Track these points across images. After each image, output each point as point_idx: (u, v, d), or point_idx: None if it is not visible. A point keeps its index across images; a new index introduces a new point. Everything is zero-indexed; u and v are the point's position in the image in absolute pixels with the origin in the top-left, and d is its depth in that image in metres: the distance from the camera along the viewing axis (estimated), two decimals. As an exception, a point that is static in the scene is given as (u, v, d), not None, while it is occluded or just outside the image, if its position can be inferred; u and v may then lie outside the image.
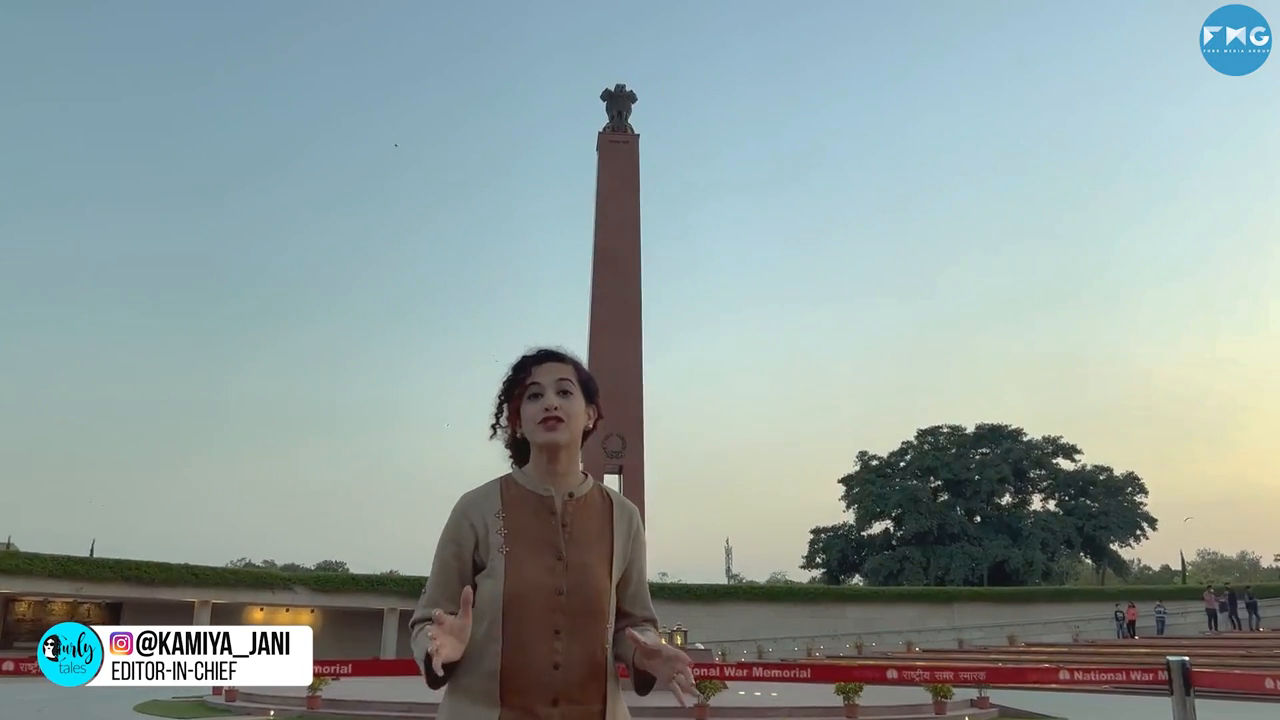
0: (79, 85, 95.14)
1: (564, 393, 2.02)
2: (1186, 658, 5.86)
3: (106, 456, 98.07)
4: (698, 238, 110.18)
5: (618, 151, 23.21)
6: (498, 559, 1.94)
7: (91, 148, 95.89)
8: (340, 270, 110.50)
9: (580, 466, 2.10)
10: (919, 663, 28.68)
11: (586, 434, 2.10)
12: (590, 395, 2.08)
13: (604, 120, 23.86)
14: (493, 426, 2.12)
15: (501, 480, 2.07)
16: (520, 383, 2.04)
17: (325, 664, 8.29)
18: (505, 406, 2.09)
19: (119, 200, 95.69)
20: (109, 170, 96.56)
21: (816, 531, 65.12)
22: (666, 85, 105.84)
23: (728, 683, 14.98)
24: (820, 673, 11.54)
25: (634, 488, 20.36)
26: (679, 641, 22.48)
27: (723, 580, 57.40)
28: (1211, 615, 36.36)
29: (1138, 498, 60.44)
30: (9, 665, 7.23)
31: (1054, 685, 11.63)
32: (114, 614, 37.66)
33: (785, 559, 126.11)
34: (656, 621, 2.13)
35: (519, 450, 2.11)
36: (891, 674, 9.00)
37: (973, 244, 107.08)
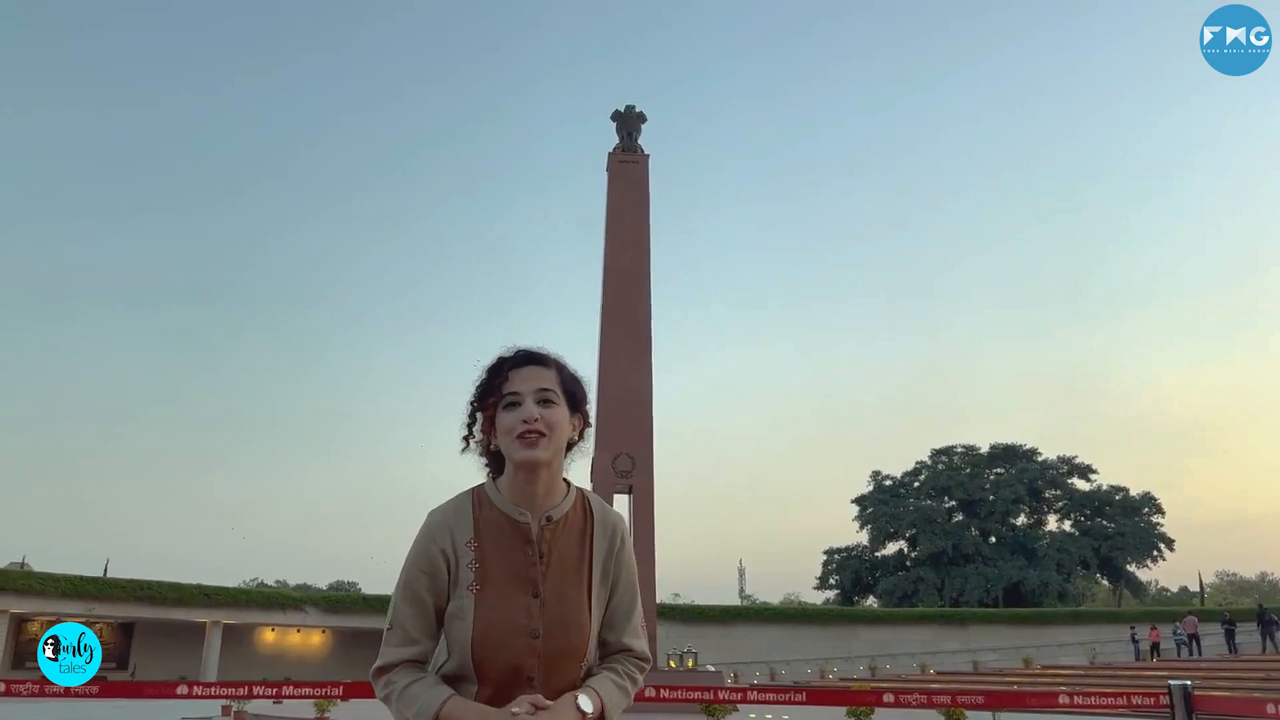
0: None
1: (545, 402, 1.80)
2: (1189, 681, 5.83)
3: (120, 475, 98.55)
4: (706, 254, 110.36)
5: (628, 171, 23.42)
6: (467, 598, 1.77)
7: (82, 155, 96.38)
8: (348, 289, 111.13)
9: (563, 480, 1.90)
10: (933, 685, 28.41)
11: (571, 445, 1.89)
12: (575, 404, 1.87)
13: (614, 138, 24.08)
14: (465, 438, 1.90)
15: (474, 495, 1.87)
16: (495, 389, 1.82)
17: (318, 685, 8.29)
18: (479, 415, 1.87)
19: (118, 208, 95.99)
20: (104, 178, 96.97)
21: (830, 552, 64.94)
22: (674, 102, 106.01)
23: (738, 706, 14.92)
24: (815, 696, 11.51)
25: (644, 507, 20.38)
26: (690, 664, 22.29)
27: (736, 601, 57.18)
28: (1193, 639, 36.92)
29: (1154, 518, 60.00)
30: (19, 687, 7.29)
31: (1055, 709, 11.52)
32: (126, 634, 37.70)
33: (799, 580, 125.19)
34: (633, 649, 1.92)
35: (495, 461, 1.89)
36: (888, 698, 8.95)
37: (985, 259, 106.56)
